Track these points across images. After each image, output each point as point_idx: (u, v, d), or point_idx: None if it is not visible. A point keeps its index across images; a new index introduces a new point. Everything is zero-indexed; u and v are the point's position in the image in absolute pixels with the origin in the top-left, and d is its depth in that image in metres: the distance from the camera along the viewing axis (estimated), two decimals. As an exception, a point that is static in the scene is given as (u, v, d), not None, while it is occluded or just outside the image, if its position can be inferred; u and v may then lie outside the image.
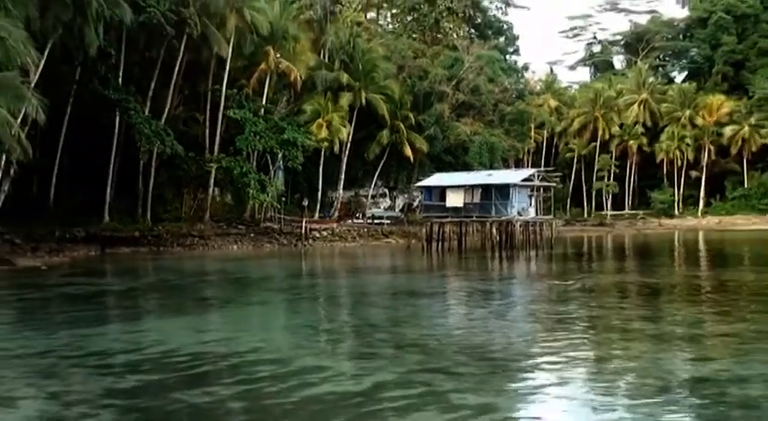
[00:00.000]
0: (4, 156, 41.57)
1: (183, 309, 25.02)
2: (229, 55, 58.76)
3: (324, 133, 67.16)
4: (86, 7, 46.01)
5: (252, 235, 58.83)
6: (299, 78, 64.62)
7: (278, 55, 62.87)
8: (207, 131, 60.20)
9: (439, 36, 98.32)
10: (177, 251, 51.70)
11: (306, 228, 62.26)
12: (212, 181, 60.78)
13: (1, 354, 16.59)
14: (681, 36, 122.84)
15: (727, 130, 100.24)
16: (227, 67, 59.73)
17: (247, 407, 12.20)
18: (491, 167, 73.69)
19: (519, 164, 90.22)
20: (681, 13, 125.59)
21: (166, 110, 57.12)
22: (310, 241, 60.78)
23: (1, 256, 39.17)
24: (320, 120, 67.76)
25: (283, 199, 65.81)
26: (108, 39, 50.78)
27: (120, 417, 11.42)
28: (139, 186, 56.52)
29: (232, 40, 58.31)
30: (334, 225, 67.48)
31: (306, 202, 67.95)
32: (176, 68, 57.08)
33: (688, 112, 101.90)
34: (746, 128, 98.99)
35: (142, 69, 57.05)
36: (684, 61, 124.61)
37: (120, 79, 54.36)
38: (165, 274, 38.31)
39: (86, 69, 51.76)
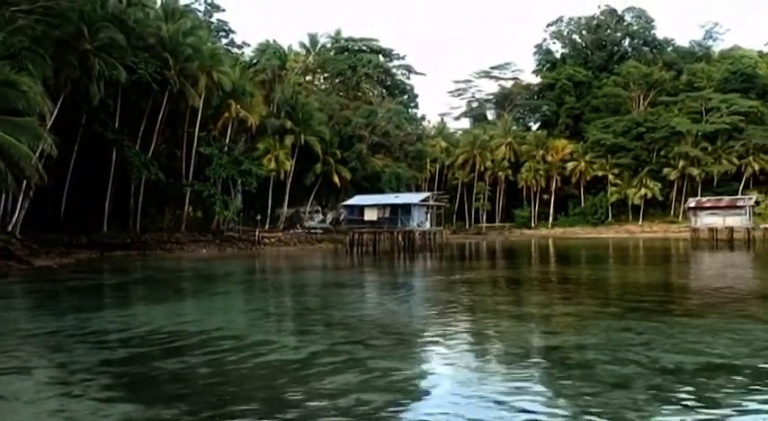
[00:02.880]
0: (25, 181, 40.40)
1: (164, 297, 24.46)
2: (201, 106, 58.26)
3: (272, 165, 67.24)
4: (91, 69, 45.80)
5: (217, 241, 57.94)
6: (254, 124, 64.48)
7: (238, 106, 62.59)
8: (183, 163, 59.40)
9: (359, 94, 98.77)
10: (159, 254, 50.58)
11: (258, 236, 61.70)
12: (187, 200, 60.10)
13: (20, 333, 16.02)
14: (535, 96, 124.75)
15: (569, 165, 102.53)
16: (199, 115, 59.17)
17: (213, 371, 11.96)
18: (398, 191, 74.12)
19: (418, 188, 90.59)
20: (535, 79, 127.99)
21: (152, 146, 56.26)
22: (262, 246, 60.13)
23: (22, 258, 37.89)
24: (270, 155, 67.71)
25: (241, 214, 65.32)
26: (107, 92, 49.65)
27: (113, 381, 11.08)
28: (131, 204, 55.58)
29: (203, 95, 57.78)
30: (280, 234, 66.98)
31: (259, 217, 67.61)
32: (160, 115, 56.32)
33: (541, 152, 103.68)
34: (583, 163, 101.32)
35: (133, 116, 55.89)
36: (538, 115, 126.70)
37: (116, 123, 53.32)
38: (150, 271, 37.46)
39: (90, 116, 50.60)
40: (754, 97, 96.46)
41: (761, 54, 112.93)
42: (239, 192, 66.28)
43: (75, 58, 45.35)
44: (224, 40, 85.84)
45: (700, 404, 9.58)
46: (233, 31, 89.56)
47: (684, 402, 9.70)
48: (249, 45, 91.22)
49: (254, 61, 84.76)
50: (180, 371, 12.02)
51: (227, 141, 63.79)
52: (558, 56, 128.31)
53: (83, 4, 45.19)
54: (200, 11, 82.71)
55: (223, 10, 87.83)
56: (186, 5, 71.45)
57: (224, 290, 28.58)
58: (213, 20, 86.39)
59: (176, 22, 57.67)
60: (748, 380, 10.91)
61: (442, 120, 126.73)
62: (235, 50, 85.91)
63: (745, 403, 9.66)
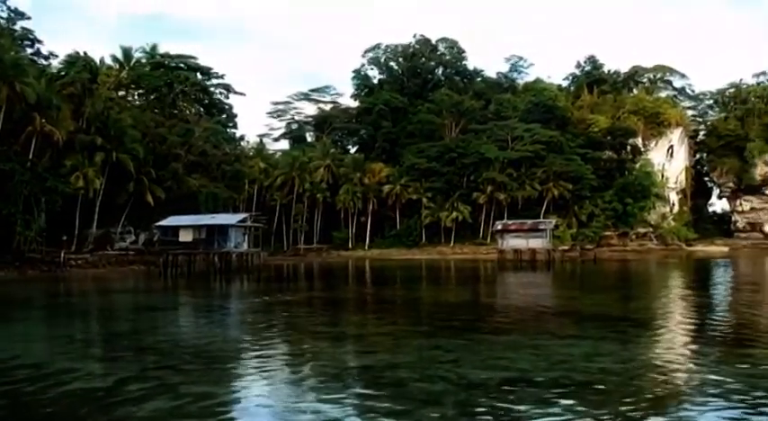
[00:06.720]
0: None
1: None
2: (1, 119, 54.41)
3: (81, 183, 63.94)
4: None
5: (17, 263, 54.19)
6: (61, 139, 60.99)
7: (43, 120, 59.04)
8: (-21, 179, 55.12)
9: (175, 112, 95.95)
10: (-50, 277, 46.54)
11: (64, 257, 58.46)
12: (-18, 220, 55.72)
13: None
14: (354, 120, 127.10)
15: (386, 188, 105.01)
16: (-1, 128, 55.30)
17: (7, 403, 11.19)
18: (215, 212, 72.70)
19: (236, 209, 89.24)
20: (354, 103, 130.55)
21: (-57, 160, 51.73)
22: (68, 268, 57.00)
23: None
24: (78, 172, 64.32)
25: (45, 234, 61.29)
26: None
27: None
28: None
29: (4, 107, 54.18)
30: (88, 255, 63.79)
31: (65, 237, 63.85)
32: (-47, 127, 51.97)
33: (358, 175, 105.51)
34: (398, 187, 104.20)
35: None
36: (356, 138, 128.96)
37: None
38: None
39: None
40: (554, 127, 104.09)
41: (560, 88, 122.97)
42: (43, 210, 62.34)
43: None
44: (29, 50, 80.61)
45: (503, 416, 10.21)
46: (39, 41, 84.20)
47: (489, 415, 10.30)
48: (57, 56, 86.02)
49: (63, 73, 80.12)
50: (-30, 404, 11.13)
51: (31, 157, 59.84)
52: (375, 81, 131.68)
53: None
54: (2, 17, 77.42)
55: (28, 18, 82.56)
56: (-14, 11, 66.73)
57: (23, 315, 26.75)
58: (17, 28, 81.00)
59: (-26, 28, 53.88)
60: (547, 391, 11.82)
61: (261, 140, 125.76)
62: (41, 61, 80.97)
63: (543, 412, 10.41)
